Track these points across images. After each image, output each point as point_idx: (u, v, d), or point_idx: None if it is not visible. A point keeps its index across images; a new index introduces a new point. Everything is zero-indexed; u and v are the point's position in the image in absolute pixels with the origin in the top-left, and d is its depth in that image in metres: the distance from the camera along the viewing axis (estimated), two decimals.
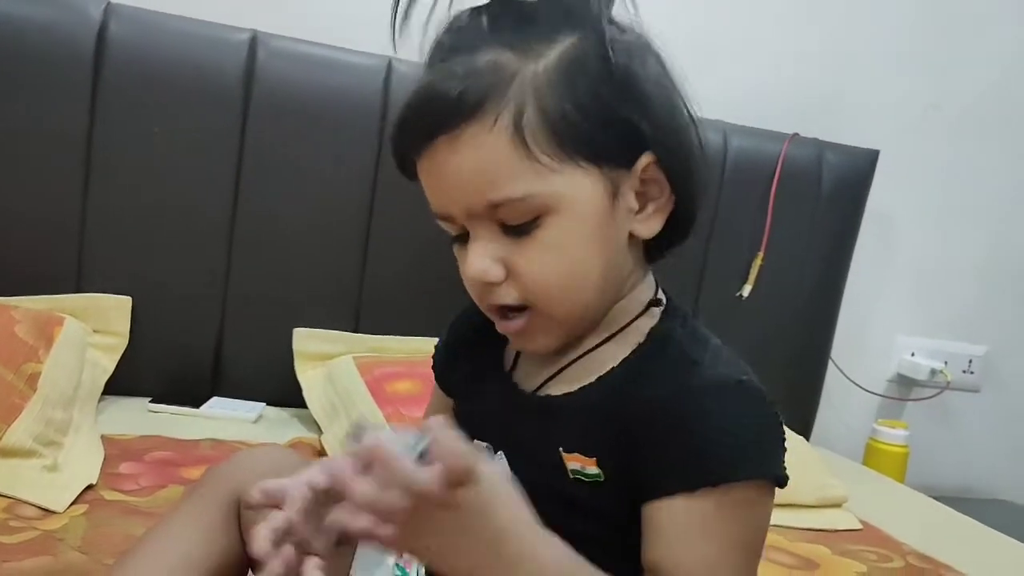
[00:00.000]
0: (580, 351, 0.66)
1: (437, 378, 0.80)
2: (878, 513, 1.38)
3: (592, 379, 0.64)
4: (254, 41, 1.40)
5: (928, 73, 1.89)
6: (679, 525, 0.56)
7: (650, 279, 0.68)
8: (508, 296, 0.62)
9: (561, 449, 0.62)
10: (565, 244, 0.60)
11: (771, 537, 1.20)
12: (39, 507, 0.96)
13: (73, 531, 0.92)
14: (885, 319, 1.97)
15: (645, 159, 0.61)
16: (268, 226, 1.44)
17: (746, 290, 1.70)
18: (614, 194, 0.61)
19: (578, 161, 0.59)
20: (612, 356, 0.64)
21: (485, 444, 0.67)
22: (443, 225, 0.64)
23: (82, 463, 1.08)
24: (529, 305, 0.62)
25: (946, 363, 1.94)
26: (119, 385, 1.35)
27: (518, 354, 0.70)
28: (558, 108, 0.58)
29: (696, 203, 0.65)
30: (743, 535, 0.58)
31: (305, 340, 1.45)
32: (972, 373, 2.00)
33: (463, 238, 0.63)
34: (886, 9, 1.84)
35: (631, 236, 0.64)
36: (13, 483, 0.99)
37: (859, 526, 1.32)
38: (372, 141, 1.46)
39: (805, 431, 1.79)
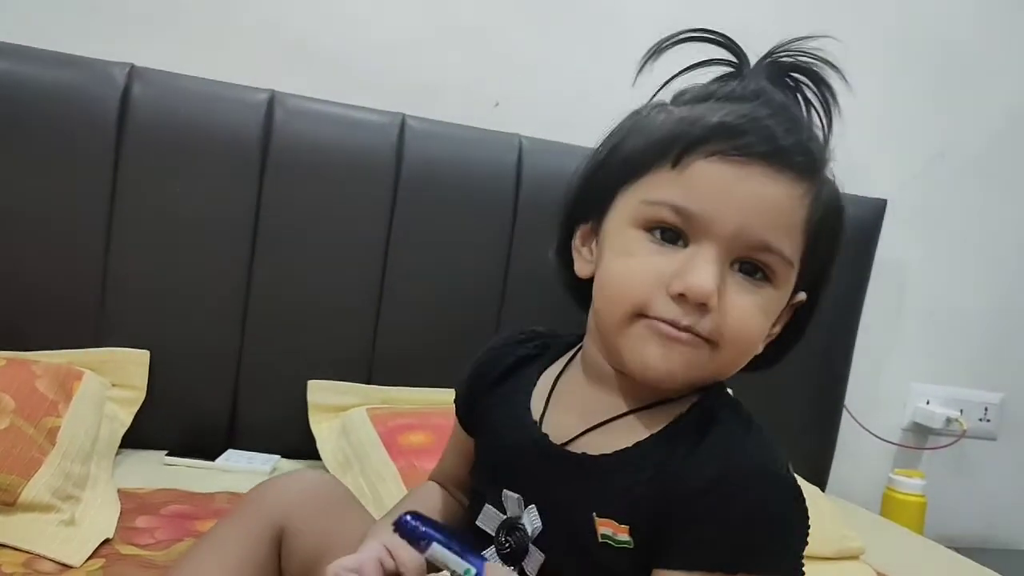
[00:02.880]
0: (617, 411, 0.66)
1: (459, 416, 0.80)
2: (896, 565, 1.36)
3: (629, 443, 0.64)
4: (272, 100, 1.44)
5: (934, 120, 1.91)
6: None
7: None
8: (701, 324, 0.61)
9: (595, 513, 0.62)
10: (767, 315, 0.65)
11: None
12: (57, 561, 0.96)
13: None
14: (899, 367, 1.97)
15: (801, 296, 0.69)
16: (284, 281, 1.46)
17: None
18: (785, 305, 0.67)
19: (800, 263, 0.65)
20: (649, 422, 0.64)
21: (517, 496, 0.67)
22: (666, 215, 0.62)
23: (99, 517, 1.09)
24: (713, 341, 0.62)
25: (962, 411, 1.93)
26: (135, 438, 1.37)
27: (547, 403, 0.70)
28: (823, 215, 0.65)
29: (795, 343, 0.73)
30: None
31: (319, 392, 1.47)
32: (988, 421, 1.99)
33: (666, 235, 0.63)
34: (889, 56, 1.87)
35: None
36: (31, 537, 1.00)
37: None
38: (387, 196, 1.49)
39: (821, 481, 1.77)
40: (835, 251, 0.68)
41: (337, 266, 1.49)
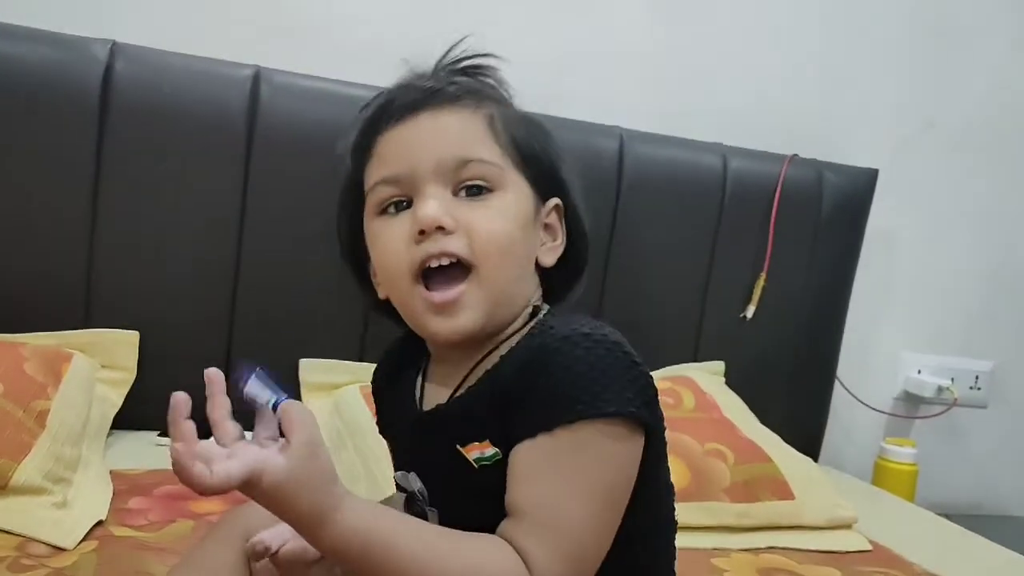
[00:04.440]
0: (466, 370, 0.70)
1: (380, 431, 0.85)
2: (888, 533, 1.37)
3: (472, 382, 0.69)
4: (257, 76, 1.42)
5: (923, 90, 1.91)
6: (531, 464, 0.61)
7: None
8: (456, 244, 0.67)
9: (458, 446, 0.66)
10: (509, 216, 0.69)
11: (780, 559, 1.21)
12: (49, 545, 0.96)
13: (83, 568, 0.92)
14: (890, 337, 1.97)
15: (554, 201, 0.74)
16: (273, 257, 1.45)
17: (750, 311, 1.71)
18: (535, 212, 0.72)
19: (519, 169, 0.71)
20: (496, 358, 0.69)
21: (404, 472, 0.74)
22: (384, 191, 0.70)
23: (91, 499, 1.09)
24: (472, 263, 0.67)
25: (952, 380, 1.94)
26: (127, 419, 1.36)
27: (422, 389, 0.75)
28: (513, 126, 0.72)
29: (581, 260, 0.76)
30: (593, 472, 0.61)
31: (311, 370, 1.46)
32: (979, 389, 2.00)
33: (399, 205, 0.69)
34: (879, 27, 1.86)
35: (536, 261, 0.73)
36: (23, 521, 1.00)
37: (869, 547, 1.31)
38: None
39: (814, 451, 1.78)
40: (550, 153, 0.74)
41: (327, 243, 1.47)
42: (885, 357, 1.97)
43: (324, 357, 1.48)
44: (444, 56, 0.77)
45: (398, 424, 0.78)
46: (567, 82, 1.64)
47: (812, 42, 1.82)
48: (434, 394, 0.73)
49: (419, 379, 0.77)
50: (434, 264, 0.67)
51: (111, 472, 1.19)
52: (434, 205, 0.67)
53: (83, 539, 0.99)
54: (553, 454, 0.61)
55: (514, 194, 0.70)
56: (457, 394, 0.70)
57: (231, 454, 0.55)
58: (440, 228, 0.66)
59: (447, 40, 0.78)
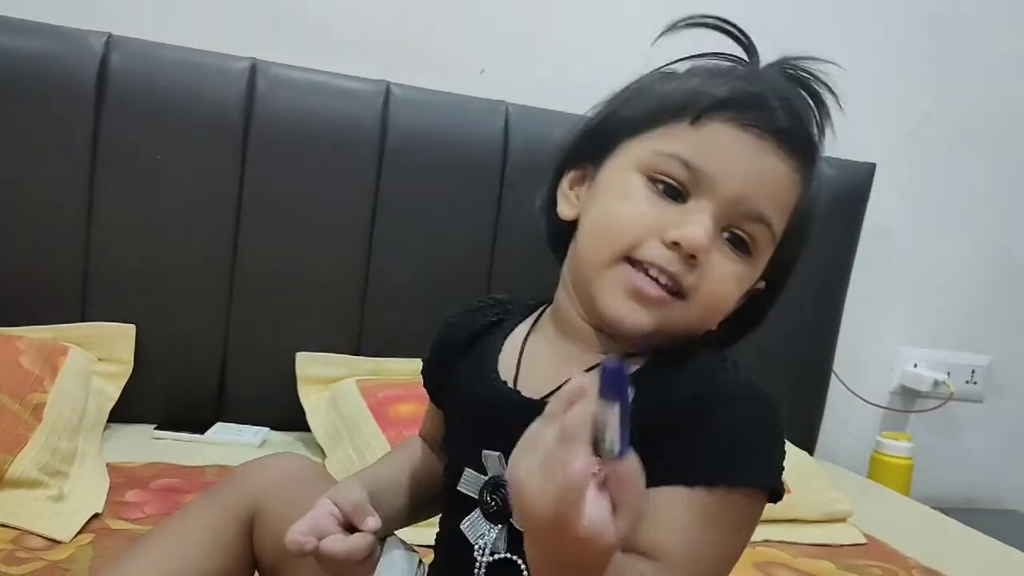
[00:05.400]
0: (591, 364, 0.65)
1: (429, 391, 0.80)
2: (883, 527, 1.38)
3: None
4: (253, 69, 1.42)
5: (922, 83, 1.90)
6: (675, 514, 0.58)
7: None
8: (689, 280, 0.63)
9: None
10: (742, 286, 0.66)
11: (775, 553, 1.22)
12: (45, 537, 0.96)
13: (80, 561, 0.92)
14: (887, 331, 1.97)
15: (761, 284, 0.70)
16: (269, 251, 1.45)
17: None
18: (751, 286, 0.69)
19: (773, 248, 0.67)
20: (628, 366, 0.65)
21: (497, 454, 0.67)
22: (673, 167, 0.63)
23: (88, 492, 1.09)
24: (685, 295, 0.63)
25: (949, 374, 1.95)
26: (124, 412, 1.36)
27: (519, 365, 0.70)
28: (806, 215, 0.68)
29: (757, 323, 0.74)
30: (731, 538, 0.60)
31: (308, 364, 1.46)
32: (975, 383, 2.00)
33: (668, 191, 0.64)
34: (878, 19, 1.85)
35: None
36: (19, 514, 1.00)
37: (864, 540, 1.32)
38: (372, 164, 1.47)
39: (809, 445, 1.79)
40: (802, 250, 0.71)
41: (324, 235, 1.48)
42: (881, 351, 1.97)
43: (321, 351, 1.47)
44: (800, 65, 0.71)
45: (477, 401, 0.71)
46: (566, 74, 1.63)
47: (807, 34, 1.81)
48: (542, 371, 0.67)
49: (515, 347, 0.71)
50: (653, 274, 0.63)
51: (107, 465, 1.19)
52: (706, 233, 0.62)
53: (79, 532, 0.99)
54: (709, 509, 0.58)
55: (756, 270, 0.67)
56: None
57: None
58: (692, 257, 0.62)
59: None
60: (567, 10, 1.66)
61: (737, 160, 0.63)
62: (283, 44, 1.48)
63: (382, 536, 0.72)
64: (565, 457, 0.43)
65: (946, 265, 1.98)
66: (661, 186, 0.64)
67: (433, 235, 1.52)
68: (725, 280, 0.64)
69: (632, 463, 0.45)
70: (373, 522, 0.66)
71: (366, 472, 0.79)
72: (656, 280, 0.62)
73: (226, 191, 1.42)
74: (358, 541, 0.65)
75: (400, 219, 1.50)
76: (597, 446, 0.44)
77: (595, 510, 0.43)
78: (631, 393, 0.45)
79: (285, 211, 1.45)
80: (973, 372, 2.00)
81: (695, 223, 0.62)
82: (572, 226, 0.70)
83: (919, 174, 1.93)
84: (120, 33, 1.37)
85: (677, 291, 0.63)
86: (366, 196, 1.48)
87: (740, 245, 0.65)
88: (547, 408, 0.47)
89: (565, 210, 0.70)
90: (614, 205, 0.65)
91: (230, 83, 1.41)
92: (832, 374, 1.85)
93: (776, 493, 0.61)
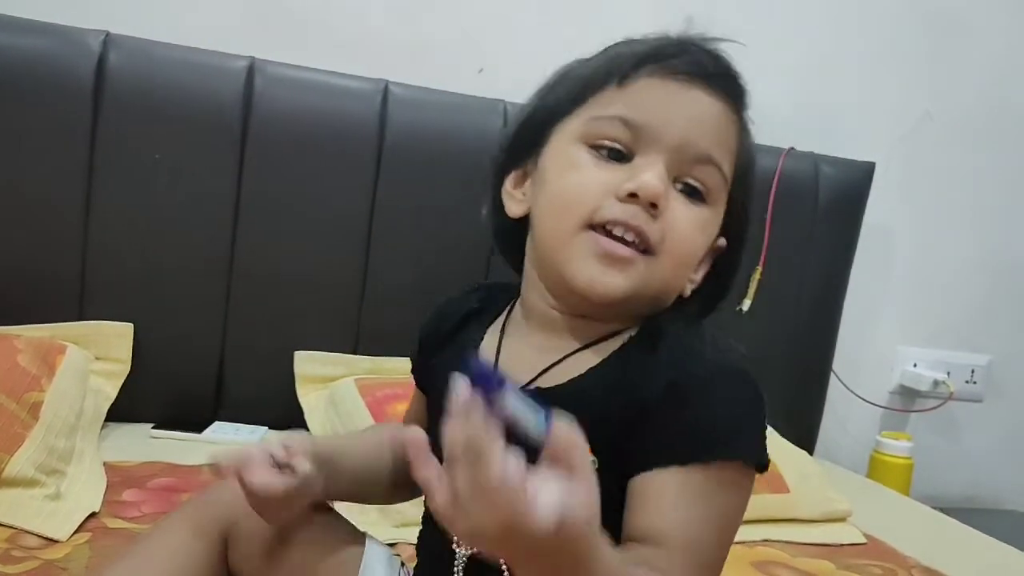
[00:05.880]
0: (567, 351, 0.66)
1: (416, 378, 0.81)
2: (883, 526, 1.37)
3: (582, 371, 0.65)
4: (252, 68, 1.42)
5: (921, 82, 1.90)
6: (669, 495, 0.58)
7: None
8: (653, 230, 0.62)
9: None
10: (706, 234, 0.66)
11: (774, 552, 1.21)
12: (42, 536, 0.96)
13: (76, 560, 0.92)
14: (886, 330, 1.97)
15: (722, 242, 0.69)
16: (268, 250, 1.45)
17: (746, 304, 1.71)
18: (715, 241, 0.68)
19: (727, 193, 0.67)
20: (600, 351, 0.66)
21: None
22: (612, 129, 0.64)
23: (85, 491, 1.09)
24: (654, 253, 0.63)
25: (948, 373, 1.94)
26: (121, 411, 1.36)
27: (497, 357, 0.70)
28: (747, 150, 0.68)
29: (710, 305, 0.72)
30: (726, 513, 0.61)
31: (306, 363, 1.46)
32: (975, 383, 2.00)
33: (613, 153, 0.64)
34: (876, 20, 1.85)
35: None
36: (16, 513, 1.00)
37: (863, 540, 1.31)
38: (370, 163, 1.47)
39: (809, 444, 1.78)
40: (749, 200, 0.70)
41: (322, 234, 1.48)
42: (881, 351, 1.97)
43: (319, 350, 1.47)
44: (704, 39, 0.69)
45: (449, 385, 0.72)
46: None
47: (807, 35, 1.82)
48: (518, 361, 0.67)
49: (494, 339, 0.71)
50: (618, 233, 0.62)
51: (105, 464, 1.19)
52: (660, 180, 0.62)
53: (76, 531, 0.99)
54: (705, 487, 0.59)
55: (716, 216, 0.67)
56: (562, 381, 0.64)
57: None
58: (653, 206, 0.62)
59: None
60: (567, 10, 1.66)
61: (673, 107, 0.64)
62: (281, 43, 1.48)
63: (322, 501, 0.73)
64: (486, 474, 0.42)
65: (946, 265, 1.98)
66: (605, 151, 0.64)
67: (431, 234, 1.51)
68: (689, 228, 0.64)
69: (561, 427, 0.44)
70: (302, 464, 0.66)
71: (327, 436, 0.79)
72: (623, 239, 0.63)
73: (224, 190, 1.42)
74: (275, 478, 0.65)
75: (399, 218, 1.50)
76: (526, 444, 0.44)
77: (547, 496, 0.42)
78: (501, 373, 0.45)
79: (283, 210, 1.45)
80: (973, 372, 2.00)
81: (646, 171, 0.62)
82: (522, 224, 0.70)
83: (918, 174, 1.92)
84: (118, 32, 1.37)
85: (645, 248, 0.63)
86: (365, 195, 1.48)
87: (695, 194, 0.65)
88: (444, 461, 0.45)
89: (513, 208, 0.71)
90: (564, 179, 0.65)
91: (228, 82, 1.41)
92: (832, 374, 1.84)
93: (763, 465, 0.62)
